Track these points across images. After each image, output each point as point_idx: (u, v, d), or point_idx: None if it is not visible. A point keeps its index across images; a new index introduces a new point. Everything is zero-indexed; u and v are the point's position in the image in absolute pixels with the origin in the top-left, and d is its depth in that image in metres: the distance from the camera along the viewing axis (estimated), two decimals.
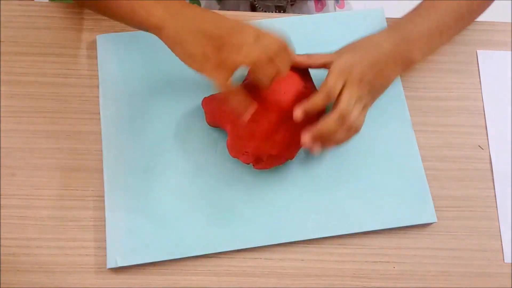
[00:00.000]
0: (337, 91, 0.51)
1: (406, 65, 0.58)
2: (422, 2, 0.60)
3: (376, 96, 0.57)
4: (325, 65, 0.54)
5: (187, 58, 0.50)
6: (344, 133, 0.52)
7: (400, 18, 0.60)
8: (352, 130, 0.53)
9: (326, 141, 0.52)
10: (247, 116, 0.50)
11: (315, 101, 0.51)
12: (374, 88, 0.55)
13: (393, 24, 0.59)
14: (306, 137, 0.50)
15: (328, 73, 0.52)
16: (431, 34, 0.58)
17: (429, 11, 0.59)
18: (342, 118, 0.51)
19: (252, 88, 0.53)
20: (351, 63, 0.53)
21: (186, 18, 0.50)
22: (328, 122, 0.50)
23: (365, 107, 0.55)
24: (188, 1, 0.53)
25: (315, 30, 0.64)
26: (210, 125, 0.57)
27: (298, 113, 0.50)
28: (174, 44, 0.50)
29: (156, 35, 0.51)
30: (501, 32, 0.67)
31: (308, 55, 0.55)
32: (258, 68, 0.48)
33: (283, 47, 0.50)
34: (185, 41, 0.50)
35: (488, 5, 0.64)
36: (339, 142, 0.53)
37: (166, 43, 0.51)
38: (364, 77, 0.53)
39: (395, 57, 0.56)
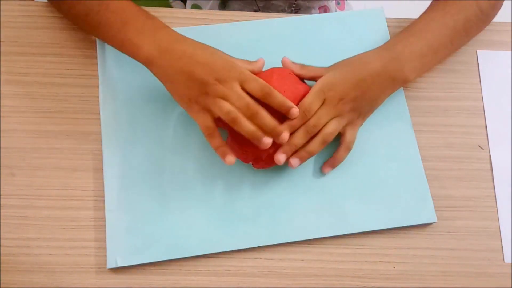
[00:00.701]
0: (313, 110, 0.52)
1: (397, 84, 0.57)
2: (415, 21, 0.59)
3: (366, 114, 0.57)
4: (314, 78, 0.54)
5: (175, 96, 0.53)
6: (317, 145, 0.53)
7: (392, 38, 0.59)
8: (326, 142, 0.53)
9: (302, 152, 0.53)
10: (229, 161, 0.52)
11: (293, 123, 0.51)
12: (359, 106, 0.55)
13: (385, 44, 0.58)
14: (279, 157, 0.52)
15: (309, 91, 0.53)
16: (424, 53, 0.57)
17: (422, 31, 0.58)
18: (307, 132, 0.52)
19: None
20: (333, 82, 0.53)
21: (175, 57, 0.51)
22: (295, 137, 0.52)
23: (353, 124, 0.55)
24: (180, 34, 0.54)
25: (315, 30, 0.64)
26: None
27: (284, 136, 0.51)
28: (163, 80, 0.52)
29: (147, 68, 0.53)
30: (501, 32, 0.67)
31: (302, 66, 0.56)
32: (238, 124, 0.50)
33: (267, 93, 0.50)
34: (172, 80, 0.52)
35: (486, 23, 0.63)
36: (313, 152, 0.53)
37: (157, 77, 0.53)
38: (346, 96, 0.53)
39: (383, 77, 0.55)
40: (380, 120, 0.60)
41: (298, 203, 0.55)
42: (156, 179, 0.55)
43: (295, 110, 0.50)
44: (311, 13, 0.81)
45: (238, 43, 0.62)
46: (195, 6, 0.82)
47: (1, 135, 0.57)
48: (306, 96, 0.52)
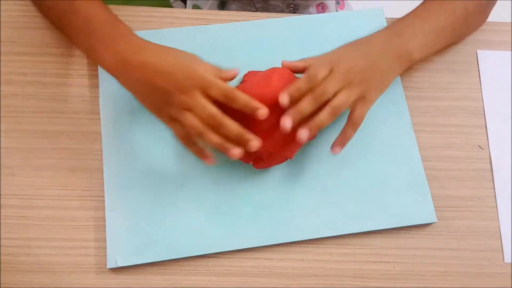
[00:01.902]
0: (319, 76, 0.50)
1: (404, 60, 0.57)
2: (414, 9, 0.60)
3: (377, 89, 0.54)
4: (306, 68, 0.53)
5: (143, 105, 0.52)
6: (326, 116, 0.50)
7: (393, 22, 0.60)
8: (335, 113, 0.50)
9: (311, 123, 0.50)
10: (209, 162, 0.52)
11: (298, 85, 0.50)
12: (368, 79, 0.52)
13: (387, 26, 0.59)
14: (285, 121, 0.49)
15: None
16: (426, 32, 0.58)
17: (422, 15, 0.59)
18: (314, 99, 0.49)
19: (251, 88, 0.54)
20: (339, 55, 0.53)
21: (135, 68, 0.50)
22: (302, 103, 0.49)
23: (364, 100, 0.52)
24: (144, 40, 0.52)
25: (315, 30, 0.64)
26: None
27: (283, 98, 0.49)
28: (130, 91, 0.52)
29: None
30: (501, 32, 0.67)
31: (302, 60, 0.55)
32: (204, 137, 0.49)
33: (231, 98, 0.49)
34: (137, 92, 0.51)
35: (485, 13, 0.64)
36: (322, 123, 0.50)
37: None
38: (353, 67, 0.52)
39: (389, 51, 0.55)
40: (380, 120, 0.60)
41: (298, 203, 0.55)
42: (156, 179, 0.55)
43: (262, 111, 0.48)
44: (309, 11, 0.81)
45: (237, 43, 0.62)
46: (195, 7, 0.82)
47: (1, 135, 0.57)
48: (313, 65, 0.52)
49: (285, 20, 0.65)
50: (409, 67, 0.59)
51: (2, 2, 0.63)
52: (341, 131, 0.53)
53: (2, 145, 0.57)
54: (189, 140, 0.51)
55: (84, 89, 0.60)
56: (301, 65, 0.54)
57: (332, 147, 0.53)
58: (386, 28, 0.58)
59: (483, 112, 0.63)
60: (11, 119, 0.58)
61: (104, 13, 0.54)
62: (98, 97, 0.59)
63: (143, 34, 0.61)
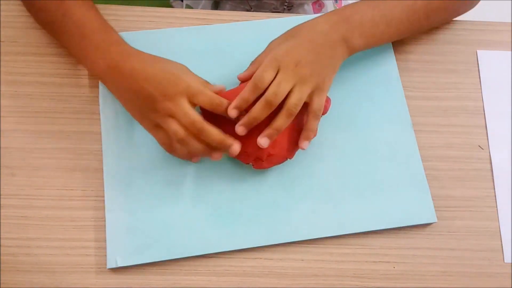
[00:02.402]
0: (266, 80, 0.49)
1: (346, 47, 0.54)
2: None
3: (328, 76, 0.53)
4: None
5: (129, 111, 0.53)
6: (284, 119, 0.50)
7: (343, 6, 0.57)
8: (291, 114, 0.50)
9: (269, 130, 0.50)
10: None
11: (244, 95, 0.49)
12: (319, 69, 0.52)
13: (334, 10, 0.56)
14: (238, 128, 0.50)
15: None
16: (375, 22, 0.55)
17: (376, 3, 0.56)
18: (267, 102, 0.49)
19: None
20: (285, 49, 0.51)
21: (124, 74, 0.50)
22: (254, 109, 0.49)
23: (319, 90, 0.52)
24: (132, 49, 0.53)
25: None
26: None
27: (232, 112, 0.49)
28: (116, 97, 0.53)
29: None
30: (501, 32, 0.67)
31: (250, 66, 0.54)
32: (185, 144, 0.50)
33: (217, 104, 0.50)
34: (124, 98, 0.52)
35: (452, 12, 0.62)
36: (281, 127, 0.50)
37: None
38: (301, 59, 0.50)
39: (334, 37, 0.53)
40: (380, 120, 0.60)
41: (298, 203, 0.55)
42: (156, 179, 0.55)
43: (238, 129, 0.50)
44: (304, 9, 0.81)
45: (237, 43, 0.62)
46: (188, 7, 0.82)
47: (1, 135, 0.57)
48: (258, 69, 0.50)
49: (285, 20, 0.65)
50: (353, 53, 0.56)
51: (2, 2, 0.63)
52: (305, 126, 0.53)
53: (2, 145, 0.57)
54: (172, 147, 0.51)
55: (84, 89, 0.60)
56: (254, 70, 0.52)
57: (299, 142, 0.53)
58: (334, 12, 0.56)
59: (483, 112, 0.63)
60: (11, 119, 0.58)
61: (95, 18, 0.54)
62: (98, 97, 0.59)
63: (143, 34, 0.62)
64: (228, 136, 0.50)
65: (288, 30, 0.54)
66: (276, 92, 0.49)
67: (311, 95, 0.52)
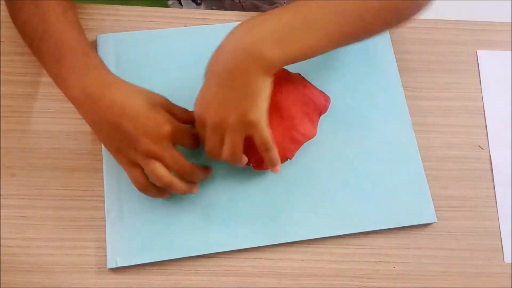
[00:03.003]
0: (208, 147, 0.49)
1: (262, 63, 0.44)
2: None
3: (253, 107, 0.45)
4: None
5: (102, 142, 0.51)
6: (268, 157, 0.49)
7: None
8: (235, 161, 0.49)
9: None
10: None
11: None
12: (233, 109, 0.45)
13: (244, 21, 0.47)
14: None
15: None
16: (291, 26, 0.45)
17: (295, 6, 0.46)
18: (237, 163, 0.49)
19: None
20: (199, 105, 0.48)
21: (102, 104, 0.47)
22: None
23: (252, 125, 0.46)
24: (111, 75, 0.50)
25: None
26: None
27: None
28: (89, 125, 0.50)
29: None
30: (501, 32, 0.67)
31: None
32: (172, 187, 0.49)
33: (198, 142, 0.51)
34: (99, 128, 0.49)
35: (394, 16, 0.51)
36: (239, 165, 0.50)
37: None
38: (214, 109, 0.46)
39: (239, 59, 0.44)
40: (380, 120, 0.60)
41: (298, 203, 0.55)
42: None
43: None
44: None
45: None
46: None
47: (1, 135, 0.57)
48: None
49: None
50: (275, 69, 0.46)
51: (2, 2, 0.63)
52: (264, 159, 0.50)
53: (2, 145, 0.57)
54: (147, 187, 0.50)
55: None
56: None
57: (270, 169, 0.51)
58: (244, 22, 0.46)
59: (483, 112, 0.63)
60: (11, 119, 0.58)
61: (77, 39, 0.51)
62: None
63: (143, 34, 0.62)
64: (210, 170, 0.53)
65: (209, 64, 0.48)
66: (210, 151, 0.49)
67: (248, 133, 0.47)
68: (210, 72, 0.47)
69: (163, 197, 0.53)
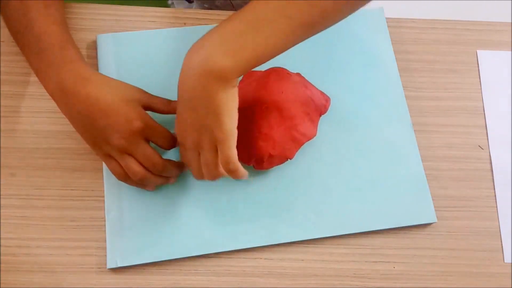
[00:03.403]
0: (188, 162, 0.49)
1: (217, 76, 0.42)
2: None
3: (214, 130, 0.44)
4: None
5: (80, 134, 0.51)
6: (210, 180, 0.49)
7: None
8: (212, 177, 0.48)
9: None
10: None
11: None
12: (199, 128, 0.45)
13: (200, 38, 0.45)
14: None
15: None
16: (239, 32, 0.43)
17: (239, 12, 0.44)
18: (213, 178, 0.48)
19: (247, 91, 0.54)
20: (176, 125, 0.48)
21: (77, 99, 0.48)
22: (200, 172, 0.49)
23: (218, 142, 0.45)
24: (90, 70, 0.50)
25: None
26: None
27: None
28: (68, 119, 0.50)
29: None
30: (501, 32, 0.67)
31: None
32: (145, 182, 0.51)
33: (173, 146, 0.52)
34: (75, 122, 0.50)
35: (340, 14, 0.47)
36: (239, 177, 0.47)
37: None
38: (185, 128, 0.46)
39: (194, 77, 0.43)
40: (380, 120, 0.60)
41: (298, 203, 0.55)
42: None
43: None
44: None
45: None
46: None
47: (1, 135, 0.57)
48: None
49: None
50: (233, 78, 0.43)
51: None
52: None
53: (2, 145, 0.57)
54: (127, 177, 0.51)
55: None
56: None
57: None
58: (193, 44, 0.44)
59: (483, 112, 0.63)
60: (11, 119, 0.58)
61: (57, 32, 0.51)
62: None
63: (143, 34, 0.62)
64: (184, 164, 0.52)
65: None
66: (197, 176, 0.49)
67: (216, 150, 0.46)
68: (178, 99, 0.46)
69: (147, 189, 0.54)
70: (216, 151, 0.45)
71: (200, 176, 0.49)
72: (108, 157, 0.50)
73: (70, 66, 0.49)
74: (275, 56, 0.45)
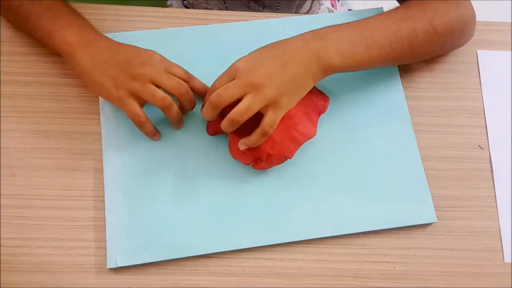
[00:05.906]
0: (218, 85, 0.50)
1: (322, 65, 0.51)
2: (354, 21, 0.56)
3: (289, 94, 0.50)
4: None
5: (96, 86, 0.53)
6: (226, 126, 0.50)
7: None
8: (235, 122, 0.49)
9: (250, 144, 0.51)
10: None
11: (205, 100, 0.53)
12: (279, 83, 0.49)
13: (311, 30, 0.53)
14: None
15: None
16: (354, 42, 0.52)
17: (358, 25, 0.54)
18: (211, 104, 0.49)
19: None
20: (246, 59, 0.50)
21: (100, 48, 0.53)
22: (203, 109, 0.51)
23: (276, 106, 0.49)
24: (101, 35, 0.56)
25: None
26: (210, 134, 0.57)
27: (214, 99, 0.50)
28: (83, 72, 0.53)
29: (67, 61, 0.54)
30: (501, 32, 0.67)
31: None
32: (170, 111, 0.53)
33: (189, 77, 0.55)
34: (96, 69, 0.52)
35: (439, 45, 0.59)
36: (255, 144, 0.51)
37: (75, 70, 0.54)
38: (261, 69, 0.49)
39: (306, 53, 0.50)
40: (380, 120, 0.60)
41: (298, 203, 0.55)
42: (156, 179, 0.55)
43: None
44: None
45: (237, 43, 0.62)
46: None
47: (1, 135, 0.57)
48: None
49: (285, 20, 0.65)
50: (329, 73, 0.53)
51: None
52: (251, 136, 0.51)
53: (2, 145, 0.57)
54: (144, 121, 0.53)
55: (84, 89, 0.59)
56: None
57: (239, 142, 0.52)
58: (311, 31, 0.53)
59: (483, 112, 0.63)
60: (11, 119, 0.58)
61: (67, 5, 0.57)
62: (98, 97, 0.59)
63: (143, 34, 0.62)
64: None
65: (264, 46, 0.53)
66: (220, 94, 0.49)
67: (266, 108, 0.49)
68: (272, 45, 0.51)
69: (154, 139, 0.56)
70: (263, 105, 0.49)
71: (221, 103, 0.49)
72: (127, 98, 0.51)
73: (90, 29, 0.55)
74: (360, 70, 0.54)
